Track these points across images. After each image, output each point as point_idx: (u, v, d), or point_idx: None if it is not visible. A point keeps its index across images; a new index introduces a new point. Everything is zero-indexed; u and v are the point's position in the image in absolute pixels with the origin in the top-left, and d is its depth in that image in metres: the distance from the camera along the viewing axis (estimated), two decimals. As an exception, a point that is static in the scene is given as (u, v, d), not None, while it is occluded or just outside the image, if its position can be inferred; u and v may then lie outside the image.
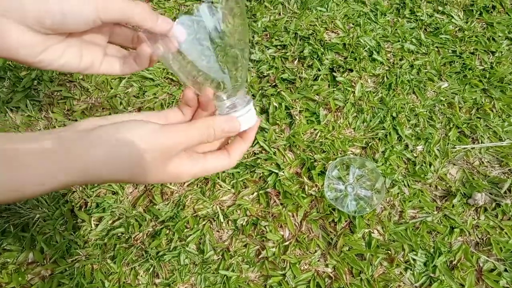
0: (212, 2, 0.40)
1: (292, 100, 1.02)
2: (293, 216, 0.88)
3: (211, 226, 0.87)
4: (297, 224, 0.88)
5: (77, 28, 0.39)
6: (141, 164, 0.35)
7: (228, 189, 0.90)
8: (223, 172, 0.92)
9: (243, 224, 0.86)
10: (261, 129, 0.98)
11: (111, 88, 1.05)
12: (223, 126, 0.41)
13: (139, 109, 1.01)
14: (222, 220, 0.87)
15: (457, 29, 1.15)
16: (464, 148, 0.98)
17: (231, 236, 0.86)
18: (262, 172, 0.92)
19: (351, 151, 0.96)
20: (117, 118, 0.40)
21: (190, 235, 0.85)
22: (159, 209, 0.87)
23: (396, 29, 1.14)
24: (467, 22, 1.16)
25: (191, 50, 0.41)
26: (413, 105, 1.03)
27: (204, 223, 0.87)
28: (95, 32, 0.45)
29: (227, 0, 0.40)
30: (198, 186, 0.91)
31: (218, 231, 0.87)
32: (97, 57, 0.44)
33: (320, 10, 1.18)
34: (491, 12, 1.17)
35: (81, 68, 0.43)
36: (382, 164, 0.94)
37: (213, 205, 0.89)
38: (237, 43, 0.42)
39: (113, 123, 0.36)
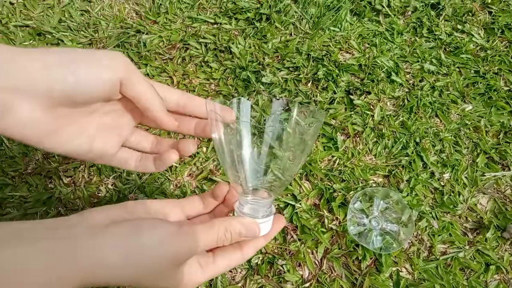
0: (287, 106, 0.39)
1: (307, 125, 0.95)
2: (312, 253, 0.80)
3: (223, 265, 0.79)
4: (317, 263, 0.80)
5: (90, 95, 0.34)
6: (154, 270, 0.31)
7: (241, 224, 0.83)
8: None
9: (258, 263, 0.78)
10: (275, 156, 0.90)
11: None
12: (242, 230, 0.38)
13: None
14: (235, 259, 0.79)
15: (478, 48, 1.09)
16: (495, 175, 0.91)
17: (245, 276, 0.78)
18: (278, 204, 0.85)
19: (373, 180, 0.89)
20: (132, 208, 0.37)
21: (200, 276, 0.77)
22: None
23: (414, 49, 1.08)
24: (488, 41, 1.10)
25: (244, 132, 0.39)
26: (437, 129, 0.96)
27: (215, 262, 0.79)
28: (119, 115, 0.40)
29: (308, 117, 0.39)
30: (208, 220, 0.83)
31: (230, 271, 0.79)
32: (111, 148, 0.40)
33: (334, 30, 1.13)
34: (513, 30, 1.11)
35: (88, 158, 0.39)
36: (408, 195, 0.86)
37: (225, 242, 0.81)
38: (291, 157, 0.40)
39: (130, 221, 0.32)
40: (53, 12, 1.15)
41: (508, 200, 0.89)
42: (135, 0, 1.19)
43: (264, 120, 0.39)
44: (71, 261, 0.28)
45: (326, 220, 0.82)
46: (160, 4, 1.17)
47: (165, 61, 1.06)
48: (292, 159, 0.40)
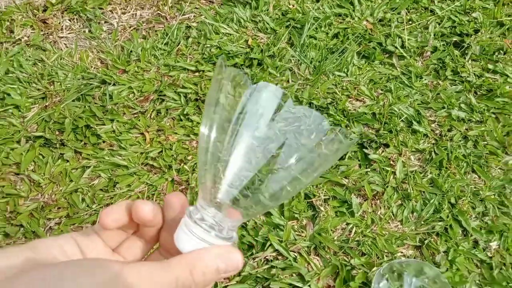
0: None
1: (313, 186, 0.97)
2: None
3: None
4: None
5: None
6: None
7: (233, 315, 0.81)
8: (225, 289, 0.83)
9: None
10: (275, 226, 0.91)
11: (71, 181, 1.00)
12: (219, 264, 0.32)
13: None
14: None
15: (515, 90, 1.16)
16: (555, 242, 0.91)
17: None
18: (280, 287, 0.83)
19: (401, 252, 0.89)
20: (45, 248, 0.32)
21: None
22: None
23: (438, 94, 1.15)
24: (526, 82, 1.17)
25: (250, 118, 0.38)
26: (475, 187, 0.98)
27: None
28: None
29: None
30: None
31: None
32: None
33: (339, 75, 1.19)
34: (554, 69, 1.19)
35: None
36: (447, 270, 0.86)
37: None
38: (297, 171, 0.37)
39: (43, 269, 0.28)
40: (-1, 63, 1.21)
41: None
42: (100, 47, 1.27)
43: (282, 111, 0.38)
44: None
45: (344, 306, 0.81)
46: (131, 51, 1.25)
47: (135, 115, 1.11)
48: (300, 174, 0.38)
